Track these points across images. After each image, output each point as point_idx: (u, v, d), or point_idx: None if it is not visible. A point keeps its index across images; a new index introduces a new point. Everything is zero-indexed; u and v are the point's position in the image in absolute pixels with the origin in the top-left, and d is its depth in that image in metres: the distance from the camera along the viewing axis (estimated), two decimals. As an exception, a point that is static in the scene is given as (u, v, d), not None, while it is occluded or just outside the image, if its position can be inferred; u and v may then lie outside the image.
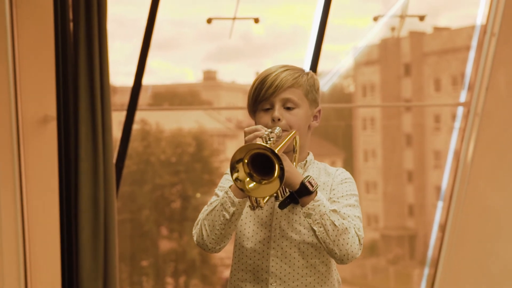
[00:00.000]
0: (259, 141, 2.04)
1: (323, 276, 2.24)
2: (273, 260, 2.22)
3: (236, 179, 1.98)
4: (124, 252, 9.22)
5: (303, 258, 2.21)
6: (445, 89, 11.37)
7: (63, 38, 4.36)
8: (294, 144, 2.22)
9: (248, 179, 1.99)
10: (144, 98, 9.14)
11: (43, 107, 4.58)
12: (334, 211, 2.08)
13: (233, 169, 1.98)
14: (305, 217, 2.08)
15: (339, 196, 2.21)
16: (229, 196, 2.11)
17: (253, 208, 2.10)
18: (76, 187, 4.46)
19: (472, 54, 5.61)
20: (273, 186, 1.96)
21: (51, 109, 4.51)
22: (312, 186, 2.07)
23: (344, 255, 2.08)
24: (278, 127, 2.17)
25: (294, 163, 2.20)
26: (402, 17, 6.17)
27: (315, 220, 2.06)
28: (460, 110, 5.78)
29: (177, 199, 10.05)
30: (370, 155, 11.86)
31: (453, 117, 6.01)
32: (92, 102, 4.44)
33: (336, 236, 2.06)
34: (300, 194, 2.08)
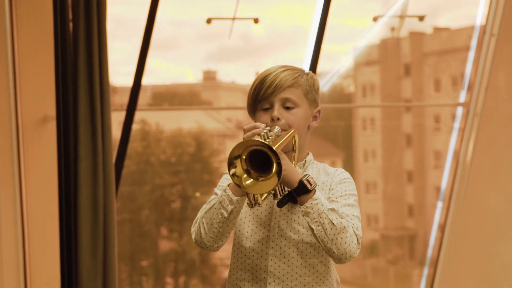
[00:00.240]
0: (257, 139, 2.04)
1: (322, 276, 2.24)
2: (271, 259, 2.22)
3: (234, 175, 1.99)
4: (124, 252, 9.21)
5: (301, 258, 2.22)
6: (445, 89, 11.37)
7: (62, 38, 4.36)
8: (293, 143, 2.22)
9: (245, 175, 1.99)
10: (144, 98, 9.14)
11: (42, 107, 4.59)
12: (333, 210, 2.08)
13: (231, 165, 1.98)
14: (303, 215, 2.09)
15: (338, 195, 2.21)
16: (227, 194, 2.12)
17: (251, 205, 2.10)
18: (75, 187, 4.46)
19: (471, 55, 5.61)
20: (270, 183, 1.96)
21: (51, 109, 4.51)
22: (311, 185, 2.07)
23: (342, 254, 2.08)
24: (277, 126, 2.18)
25: (293, 162, 2.20)
26: (402, 17, 6.17)
27: (313, 218, 2.07)
28: (459, 110, 5.77)
29: (177, 199, 10.05)
30: (370, 155, 11.86)
31: (453, 117, 6.01)
32: (91, 102, 4.44)
33: (334, 235, 2.06)
34: (299, 192, 2.08)
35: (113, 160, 4.62)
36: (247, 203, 2.11)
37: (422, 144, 11.55)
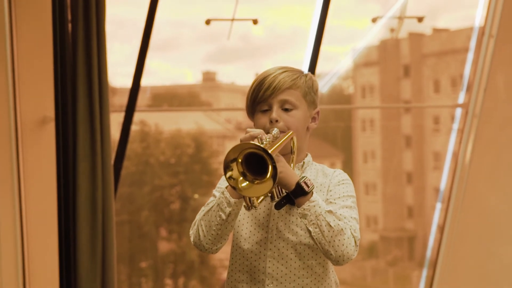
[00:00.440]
0: (255, 141, 2.04)
1: (320, 278, 2.24)
2: (269, 261, 2.22)
3: (230, 178, 1.99)
4: (123, 253, 9.21)
5: (299, 259, 2.22)
6: (444, 90, 11.37)
7: (61, 39, 4.36)
8: (291, 145, 2.22)
9: (241, 178, 1.99)
10: (143, 99, 9.14)
11: (41, 108, 4.58)
12: (330, 212, 2.08)
13: (227, 168, 1.98)
14: (300, 217, 2.08)
15: (336, 197, 2.21)
16: (225, 196, 2.12)
17: (248, 208, 2.10)
18: (74, 188, 4.45)
19: (470, 56, 5.61)
20: (266, 186, 1.96)
21: (50, 110, 4.51)
22: (308, 187, 2.07)
23: (339, 256, 2.08)
24: (275, 128, 2.18)
25: (292, 164, 2.20)
26: (401, 18, 6.17)
27: (311, 220, 2.07)
28: (458, 112, 5.78)
29: (176, 200, 10.05)
30: (369, 156, 11.86)
31: (452, 118, 6.01)
32: (90, 103, 4.44)
33: (331, 237, 2.06)
34: (296, 194, 2.08)
35: (112, 161, 4.62)
36: (244, 206, 2.11)
37: (422, 145, 11.56)
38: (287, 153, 2.22)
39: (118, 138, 4.95)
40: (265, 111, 2.24)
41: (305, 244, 2.20)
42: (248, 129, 2.12)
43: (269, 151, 1.93)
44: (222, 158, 1.99)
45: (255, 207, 2.10)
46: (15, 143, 4.47)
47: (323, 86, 7.45)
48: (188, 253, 9.62)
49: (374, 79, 11.77)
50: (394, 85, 11.82)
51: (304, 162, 2.30)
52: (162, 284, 10.05)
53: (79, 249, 4.45)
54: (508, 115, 5.25)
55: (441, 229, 5.52)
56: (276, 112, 2.22)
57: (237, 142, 2.06)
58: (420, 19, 6.41)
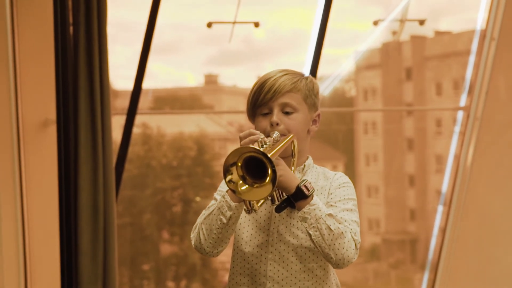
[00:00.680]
0: (255, 145, 2.04)
1: (321, 281, 2.24)
2: (270, 264, 2.22)
3: (230, 181, 1.99)
4: (125, 256, 9.20)
5: (300, 263, 2.22)
6: (447, 93, 11.35)
7: (63, 42, 4.37)
8: (292, 148, 2.22)
9: (241, 181, 1.99)
10: (145, 102, 9.14)
11: (43, 111, 4.59)
12: (330, 215, 2.08)
13: (227, 172, 1.98)
14: (301, 221, 2.09)
15: (337, 200, 2.21)
16: (226, 200, 2.12)
17: (248, 211, 2.10)
18: (75, 190, 4.46)
19: (472, 59, 5.61)
20: (265, 190, 1.96)
21: (51, 113, 4.52)
22: (308, 190, 2.07)
23: (339, 259, 2.08)
24: (276, 132, 2.18)
25: (292, 168, 2.21)
26: (402, 21, 6.17)
27: (311, 224, 2.07)
28: (460, 114, 5.77)
29: (178, 203, 10.04)
30: (371, 159, 11.84)
31: (454, 121, 6.01)
32: (92, 106, 4.44)
33: (331, 240, 2.06)
34: (296, 198, 2.08)
35: (114, 164, 4.63)
36: (244, 209, 2.11)
37: (424, 148, 11.54)
38: (288, 156, 2.22)
39: (120, 140, 4.96)
40: (265, 114, 2.24)
41: (306, 247, 2.20)
42: (241, 134, 2.12)
43: (269, 155, 1.93)
44: (224, 160, 2.00)
45: (255, 210, 2.10)
46: (17, 146, 4.48)
47: (325, 88, 7.44)
48: (190, 255, 9.60)
49: (376, 82, 11.75)
50: (396, 88, 11.80)
51: (305, 165, 2.30)
52: (164, 286, 10.04)
53: (80, 252, 4.46)
54: (509, 118, 5.24)
55: (443, 232, 5.52)
56: (276, 116, 2.22)
57: (239, 144, 2.07)
58: (421, 22, 6.41)
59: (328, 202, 2.22)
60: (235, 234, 2.27)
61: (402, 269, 11.39)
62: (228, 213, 2.11)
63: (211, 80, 11.25)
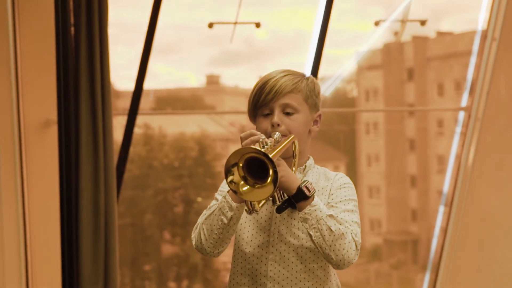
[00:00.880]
0: (256, 146, 2.05)
1: (322, 281, 2.24)
2: (271, 264, 2.22)
3: (231, 182, 1.99)
4: (127, 256, 9.20)
5: (301, 263, 2.22)
6: (448, 93, 11.35)
7: (64, 42, 4.37)
8: (293, 149, 2.22)
9: (242, 182, 1.99)
10: (146, 102, 9.14)
11: (44, 111, 4.59)
12: (331, 216, 2.08)
13: (228, 172, 1.98)
14: (301, 221, 2.09)
15: (338, 201, 2.21)
16: (227, 200, 2.12)
17: (249, 212, 2.10)
18: (77, 190, 4.46)
19: (473, 59, 5.60)
20: (266, 190, 1.97)
21: (52, 113, 4.52)
22: (309, 191, 2.07)
23: (340, 260, 2.08)
24: (277, 132, 2.18)
25: (293, 168, 2.21)
26: (403, 21, 6.17)
27: (312, 225, 2.07)
28: (461, 115, 5.77)
29: (179, 203, 10.03)
30: (373, 159, 11.84)
31: (456, 121, 6.00)
32: (93, 106, 4.45)
33: (332, 241, 2.06)
34: (297, 198, 2.08)
35: (115, 164, 4.63)
36: (245, 210, 2.12)
37: (426, 149, 11.53)
38: (289, 156, 2.22)
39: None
40: (266, 115, 2.24)
41: (306, 248, 2.20)
42: (242, 135, 2.12)
43: (270, 156, 1.93)
44: (225, 161, 2.00)
45: (256, 211, 2.10)
46: (18, 146, 4.48)
47: (327, 89, 7.44)
48: (191, 256, 9.60)
49: (378, 82, 11.75)
50: (398, 88, 11.80)
51: (306, 166, 2.30)
52: (165, 287, 10.04)
53: (81, 252, 4.46)
54: (510, 118, 5.24)
55: (444, 232, 5.52)
56: (277, 116, 2.22)
57: (240, 144, 2.07)
58: (422, 23, 6.40)
59: (329, 202, 2.22)
60: (236, 234, 2.27)
61: (404, 269, 11.39)
62: (229, 214, 2.11)
63: (212, 80, 11.26)
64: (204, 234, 2.16)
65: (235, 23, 5.80)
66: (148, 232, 9.70)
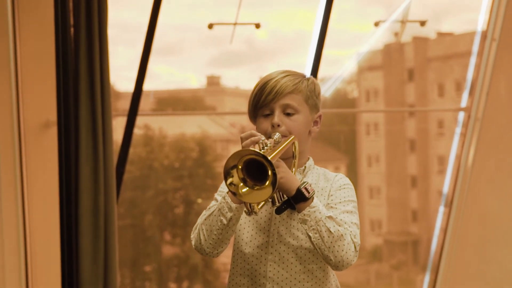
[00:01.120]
0: (256, 147, 2.05)
1: (321, 282, 2.25)
2: (270, 265, 2.22)
3: (231, 184, 1.99)
4: (127, 257, 9.20)
5: (300, 264, 2.22)
6: (449, 94, 11.35)
7: (64, 43, 4.37)
8: (293, 149, 2.22)
9: (241, 184, 1.99)
10: (147, 103, 9.14)
11: (44, 112, 4.59)
12: (330, 217, 2.08)
13: (227, 174, 1.98)
14: (300, 223, 2.09)
15: (337, 202, 2.21)
16: (226, 201, 2.12)
17: (248, 213, 2.10)
18: (76, 191, 4.46)
19: (473, 60, 5.60)
20: (265, 192, 1.97)
21: (52, 114, 4.52)
22: (308, 192, 2.07)
23: (339, 261, 2.08)
24: (277, 133, 2.18)
25: (293, 169, 2.21)
26: (403, 22, 6.16)
27: (311, 226, 2.07)
28: (461, 115, 5.77)
29: (180, 204, 10.03)
30: (373, 160, 11.84)
31: (456, 122, 6.00)
32: (92, 107, 4.45)
33: (331, 242, 2.06)
34: (296, 200, 2.08)
35: (114, 165, 4.63)
36: (245, 211, 2.12)
37: (426, 149, 11.54)
38: (289, 157, 2.22)
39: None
40: (267, 116, 2.24)
41: (306, 249, 2.20)
42: (242, 135, 2.12)
43: (269, 157, 1.93)
44: (224, 163, 2.00)
45: (255, 212, 2.10)
46: (18, 147, 4.48)
47: (327, 90, 7.44)
48: (192, 257, 9.60)
49: (378, 83, 11.76)
50: (398, 89, 11.80)
51: (305, 167, 2.30)
52: (166, 287, 10.04)
53: (81, 253, 4.46)
54: (510, 118, 5.24)
55: (444, 232, 5.52)
56: (278, 117, 2.22)
57: (241, 145, 2.07)
58: (422, 23, 6.40)
59: (328, 203, 2.22)
60: (235, 235, 2.27)
61: (404, 270, 11.39)
62: (229, 215, 2.11)
63: (213, 81, 11.26)
64: (204, 235, 2.16)
65: (235, 23, 5.79)
66: (149, 233, 9.70)
